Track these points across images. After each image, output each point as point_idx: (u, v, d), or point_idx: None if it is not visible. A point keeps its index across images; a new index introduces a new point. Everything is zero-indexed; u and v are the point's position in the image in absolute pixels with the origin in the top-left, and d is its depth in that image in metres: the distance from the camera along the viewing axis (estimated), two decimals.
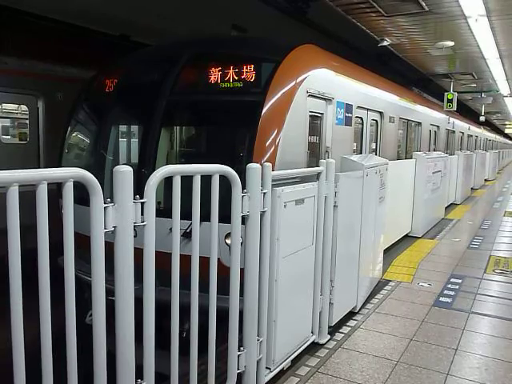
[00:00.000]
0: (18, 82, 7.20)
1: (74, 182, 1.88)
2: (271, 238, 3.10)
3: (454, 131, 15.21)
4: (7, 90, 7.20)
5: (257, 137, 4.30)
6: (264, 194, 2.97)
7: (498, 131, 40.15)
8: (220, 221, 2.65)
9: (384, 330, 4.34)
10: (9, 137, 8.43)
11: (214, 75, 4.64)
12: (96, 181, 1.95)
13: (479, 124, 23.38)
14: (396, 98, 8.69)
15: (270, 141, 4.33)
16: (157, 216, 2.23)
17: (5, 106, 8.03)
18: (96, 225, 1.99)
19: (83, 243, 2.20)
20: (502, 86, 15.37)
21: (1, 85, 7.01)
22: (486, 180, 20.92)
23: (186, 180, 2.45)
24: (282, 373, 3.45)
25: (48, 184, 1.78)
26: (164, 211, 2.94)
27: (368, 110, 6.94)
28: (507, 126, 41.75)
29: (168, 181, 2.35)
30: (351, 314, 4.64)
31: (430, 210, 9.37)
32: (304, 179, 3.68)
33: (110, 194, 2.11)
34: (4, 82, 7.00)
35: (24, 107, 7.74)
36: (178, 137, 5.43)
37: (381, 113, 7.51)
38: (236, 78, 4.55)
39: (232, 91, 4.58)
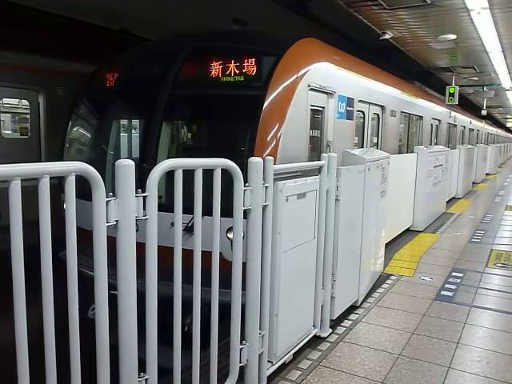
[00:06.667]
0: (19, 77, 7.18)
1: (76, 176, 1.87)
2: (273, 232, 3.09)
3: (455, 125, 15.16)
4: (8, 85, 7.19)
5: (258, 131, 4.29)
6: (266, 187, 2.97)
7: (500, 125, 40.03)
8: (221, 215, 2.65)
9: (385, 324, 4.35)
10: (10, 131, 8.43)
11: (215, 69, 4.62)
12: (98, 175, 1.94)
13: (481, 118, 23.30)
14: (397, 91, 8.66)
15: (271, 135, 4.32)
16: (158, 210, 2.23)
17: (6, 100, 8.02)
18: (98, 219, 1.98)
19: (85, 237, 2.20)
20: (504, 80, 15.30)
21: (2, 79, 6.99)
22: (487, 174, 20.88)
23: (188, 174, 2.44)
24: (283, 366, 3.46)
25: (50, 179, 1.77)
26: (166, 205, 2.93)
27: (369, 103, 6.92)
28: (509, 120, 41.59)
29: (170, 175, 2.35)
30: (353, 308, 4.65)
31: (431, 204, 9.36)
32: (306, 173, 3.67)
33: (111, 189, 2.10)
34: (5, 76, 6.98)
35: (25, 102, 7.73)
36: (180, 131, 5.41)
37: (382, 107, 7.48)
38: (237, 71, 4.53)
39: (233, 85, 4.56)
